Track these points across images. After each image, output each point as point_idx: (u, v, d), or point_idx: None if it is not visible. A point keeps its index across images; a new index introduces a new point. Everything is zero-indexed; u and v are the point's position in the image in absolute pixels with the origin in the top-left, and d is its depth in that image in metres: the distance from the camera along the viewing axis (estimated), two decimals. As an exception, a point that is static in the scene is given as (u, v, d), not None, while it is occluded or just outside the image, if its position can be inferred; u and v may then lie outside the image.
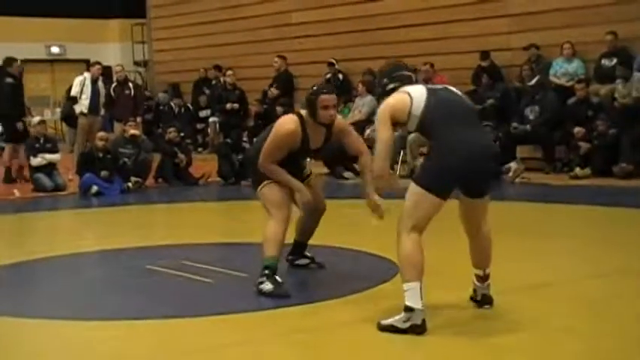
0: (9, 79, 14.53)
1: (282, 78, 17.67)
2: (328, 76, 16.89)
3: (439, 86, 5.52)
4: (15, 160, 14.52)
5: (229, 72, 18.10)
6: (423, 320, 4.86)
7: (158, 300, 6.34)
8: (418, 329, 4.83)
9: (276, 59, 17.61)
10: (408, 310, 4.84)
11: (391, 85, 5.30)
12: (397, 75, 5.41)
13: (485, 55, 14.69)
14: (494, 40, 14.94)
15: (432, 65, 15.07)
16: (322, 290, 4.82)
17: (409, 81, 5.36)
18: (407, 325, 4.82)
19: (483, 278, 5.49)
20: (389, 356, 4.78)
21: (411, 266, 4.93)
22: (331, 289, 5.30)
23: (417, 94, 5.10)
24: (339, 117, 6.30)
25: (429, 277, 5.02)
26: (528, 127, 13.24)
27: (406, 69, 5.57)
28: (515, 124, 13.54)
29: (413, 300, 4.84)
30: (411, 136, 13.60)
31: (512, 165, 12.66)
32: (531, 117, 13.43)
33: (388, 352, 4.79)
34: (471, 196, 5.25)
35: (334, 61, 16.87)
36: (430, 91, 5.16)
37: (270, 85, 17.45)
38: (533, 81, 13.94)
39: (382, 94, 5.37)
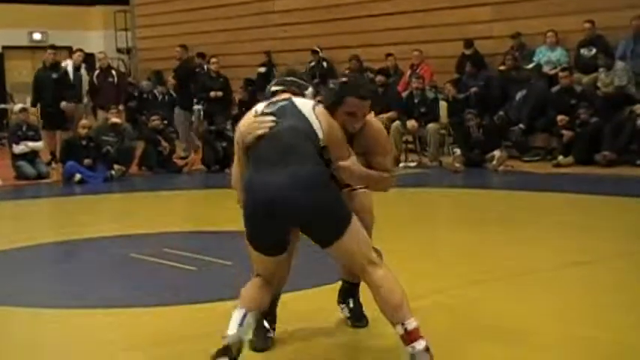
0: None
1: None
2: (312, 64, 16.89)
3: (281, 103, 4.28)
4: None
5: (213, 60, 18.01)
6: None
7: (142, 288, 6.35)
8: None
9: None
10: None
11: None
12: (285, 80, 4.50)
13: (469, 43, 14.72)
14: (477, 29, 14.97)
15: (420, 52, 15.11)
16: (309, 278, 4.83)
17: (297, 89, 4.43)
18: None
19: (404, 338, 4.03)
20: (381, 340, 4.75)
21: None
22: (318, 277, 5.30)
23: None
24: (374, 121, 4.60)
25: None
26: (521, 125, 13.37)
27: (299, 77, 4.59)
28: (501, 113, 13.63)
29: None
30: (395, 124, 13.65)
31: (496, 153, 12.70)
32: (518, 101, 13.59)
33: (380, 336, 4.75)
34: (322, 242, 4.14)
35: (318, 49, 16.86)
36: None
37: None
38: (531, 65, 13.99)
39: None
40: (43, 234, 8.84)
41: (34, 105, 15.17)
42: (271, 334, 4.72)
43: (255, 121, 4.20)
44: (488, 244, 7.55)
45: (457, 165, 12.85)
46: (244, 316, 4.10)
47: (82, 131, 13.03)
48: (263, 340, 4.67)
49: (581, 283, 6.09)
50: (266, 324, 4.71)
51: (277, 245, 4.15)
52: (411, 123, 13.69)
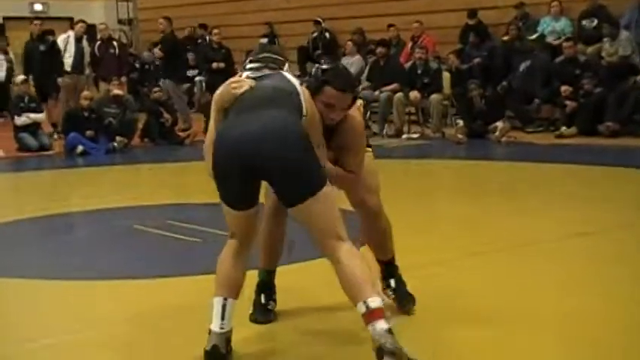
0: None
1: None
2: (315, 35, 16.83)
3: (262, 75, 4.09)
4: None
5: (215, 31, 17.98)
6: None
7: (145, 260, 6.36)
8: None
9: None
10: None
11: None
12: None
13: (472, 13, 14.65)
14: (482, -1, 14.88)
15: (420, 23, 15.06)
16: (306, 250, 4.82)
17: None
18: None
19: (365, 316, 3.70)
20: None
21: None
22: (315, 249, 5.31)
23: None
24: (355, 117, 4.37)
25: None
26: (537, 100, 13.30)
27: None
28: (504, 83, 13.60)
29: None
30: (397, 95, 13.63)
31: (499, 124, 12.67)
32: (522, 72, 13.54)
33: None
34: (289, 199, 3.90)
35: (321, 20, 16.80)
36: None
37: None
38: (534, 35, 13.93)
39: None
40: (45, 206, 8.82)
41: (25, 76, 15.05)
42: (271, 307, 4.69)
43: (236, 80, 4.06)
44: (490, 216, 7.56)
45: (460, 136, 12.83)
46: (224, 307, 3.95)
47: (84, 103, 13.01)
48: (263, 313, 4.66)
49: (584, 255, 6.09)
50: (263, 299, 4.68)
51: (245, 197, 3.93)
52: (414, 94, 13.65)
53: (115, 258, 6.48)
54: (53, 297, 5.52)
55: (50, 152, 13.15)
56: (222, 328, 3.91)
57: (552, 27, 13.91)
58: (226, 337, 3.94)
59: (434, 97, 13.56)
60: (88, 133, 12.73)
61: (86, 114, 12.89)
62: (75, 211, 8.56)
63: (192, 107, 18.29)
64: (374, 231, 4.65)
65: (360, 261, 3.82)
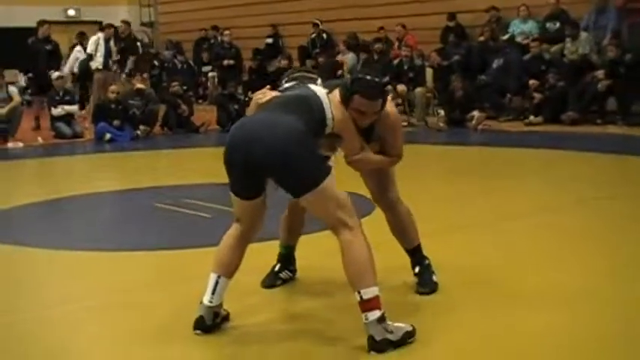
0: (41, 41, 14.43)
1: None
2: (313, 35, 16.72)
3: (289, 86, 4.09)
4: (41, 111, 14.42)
5: (226, 32, 17.95)
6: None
7: (163, 233, 6.34)
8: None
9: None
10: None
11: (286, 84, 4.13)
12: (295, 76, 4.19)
13: (451, 16, 14.59)
14: (459, 3, 14.77)
15: (403, 26, 15.03)
16: (307, 225, 4.76)
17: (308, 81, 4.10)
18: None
19: (360, 305, 3.52)
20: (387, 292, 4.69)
21: None
22: (314, 223, 5.25)
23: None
24: (392, 113, 4.19)
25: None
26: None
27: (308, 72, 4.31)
28: (482, 77, 13.53)
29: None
30: (418, 90, 13.54)
31: (475, 113, 12.63)
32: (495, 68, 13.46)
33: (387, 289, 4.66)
34: (289, 192, 3.78)
35: (319, 22, 16.70)
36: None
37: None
38: (506, 36, 13.86)
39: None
40: (78, 186, 8.79)
41: (29, 72, 14.88)
42: (284, 275, 4.64)
43: (262, 92, 3.98)
44: (467, 194, 7.51)
45: (441, 124, 12.80)
46: (216, 282, 3.82)
47: (112, 96, 12.97)
48: (270, 279, 4.63)
49: (551, 228, 6.03)
50: (277, 268, 4.66)
51: (250, 188, 3.78)
52: (401, 87, 13.60)
53: (136, 231, 6.44)
54: (86, 265, 5.49)
55: (82, 139, 13.09)
56: (210, 302, 3.80)
57: (521, 28, 13.83)
58: (214, 310, 3.82)
59: (418, 90, 13.51)
60: (115, 122, 12.70)
61: (113, 106, 12.84)
62: (102, 191, 8.50)
63: (205, 99, 18.27)
64: (395, 221, 4.44)
65: (360, 251, 3.55)
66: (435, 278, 4.45)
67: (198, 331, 3.81)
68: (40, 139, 12.97)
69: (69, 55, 16.09)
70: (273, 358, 3.67)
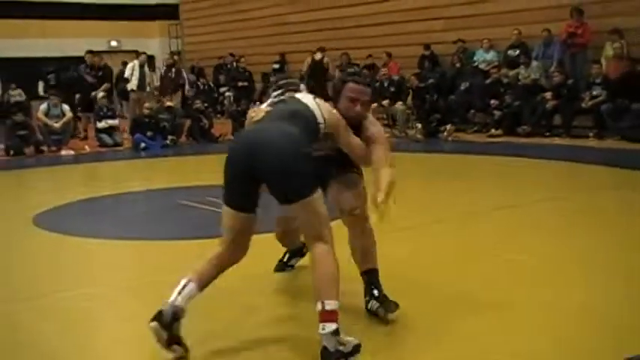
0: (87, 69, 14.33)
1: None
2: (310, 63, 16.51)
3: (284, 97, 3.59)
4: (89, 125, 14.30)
5: (242, 59, 17.93)
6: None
7: (188, 226, 6.25)
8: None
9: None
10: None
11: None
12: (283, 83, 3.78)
13: (427, 47, 14.55)
14: (433, 36, 14.73)
15: (389, 55, 14.96)
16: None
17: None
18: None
19: (319, 316, 3.07)
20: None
21: None
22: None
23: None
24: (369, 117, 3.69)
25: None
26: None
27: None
28: (452, 97, 13.49)
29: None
30: (399, 107, 13.45)
31: (447, 127, 12.58)
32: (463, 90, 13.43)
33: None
34: (280, 198, 3.27)
35: (320, 50, 16.56)
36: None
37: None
38: (472, 64, 13.83)
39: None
40: (117, 186, 8.73)
41: (77, 93, 14.52)
42: (292, 263, 4.47)
43: (255, 111, 3.53)
44: (441, 194, 7.45)
45: (418, 136, 12.74)
46: (185, 285, 3.30)
47: (146, 111, 12.92)
48: (279, 267, 4.50)
49: (510, 221, 5.98)
50: (285, 258, 4.49)
51: (245, 199, 3.32)
52: (386, 102, 13.58)
53: (164, 224, 6.37)
54: (115, 252, 5.43)
55: (121, 148, 13.01)
56: (174, 303, 3.26)
57: (484, 57, 13.79)
58: (174, 311, 3.23)
59: (399, 106, 13.44)
60: (149, 133, 12.62)
61: (147, 120, 12.78)
62: (136, 190, 8.44)
63: (222, 114, 18.19)
64: (361, 237, 3.67)
65: (328, 266, 3.12)
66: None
67: (153, 323, 3.22)
68: (87, 148, 12.89)
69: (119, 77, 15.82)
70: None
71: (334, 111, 3.49)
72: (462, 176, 8.76)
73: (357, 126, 3.57)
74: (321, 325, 3.05)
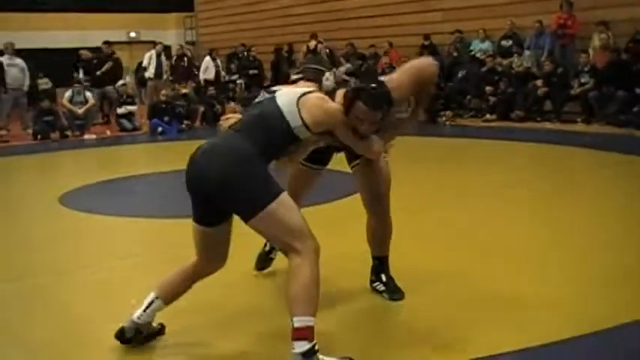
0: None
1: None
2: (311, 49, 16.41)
3: (273, 92, 3.04)
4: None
5: (253, 49, 17.89)
6: None
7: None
8: None
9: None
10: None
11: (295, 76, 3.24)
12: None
13: (426, 37, 14.44)
14: (432, 27, 14.63)
15: (390, 44, 14.86)
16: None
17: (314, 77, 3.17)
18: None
19: (291, 332, 2.69)
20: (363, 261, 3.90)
21: None
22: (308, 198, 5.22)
23: None
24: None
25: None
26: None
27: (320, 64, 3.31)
28: (451, 84, 13.41)
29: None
30: None
31: (447, 112, 12.56)
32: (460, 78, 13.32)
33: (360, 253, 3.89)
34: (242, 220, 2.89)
35: (322, 40, 16.47)
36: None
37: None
38: (469, 53, 13.72)
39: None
40: (136, 168, 8.75)
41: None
42: (274, 256, 4.01)
43: (226, 117, 3.25)
44: (439, 175, 7.44)
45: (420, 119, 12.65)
46: (152, 302, 3.03)
47: (162, 98, 12.88)
48: (262, 262, 4.05)
49: (504, 199, 5.96)
50: (267, 248, 4.01)
51: (203, 216, 3.00)
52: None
53: (182, 203, 6.32)
54: (134, 228, 5.45)
55: (140, 132, 13.00)
56: (138, 319, 3.02)
57: (480, 47, 13.70)
58: (137, 326, 3.02)
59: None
60: (165, 118, 12.60)
61: (164, 106, 12.75)
62: (154, 172, 8.44)
63: (234, 101, 18.13)
64: (382, 227, 3.57)
65: (301, 279, 2.67)
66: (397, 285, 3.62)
67: (117, 340, 3.02)
68: (108, 132, 12.89)
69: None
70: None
71: (331, 108, 2.96)
72: (459, 158, 8.77)
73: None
74: (291, 343, 2.64)
